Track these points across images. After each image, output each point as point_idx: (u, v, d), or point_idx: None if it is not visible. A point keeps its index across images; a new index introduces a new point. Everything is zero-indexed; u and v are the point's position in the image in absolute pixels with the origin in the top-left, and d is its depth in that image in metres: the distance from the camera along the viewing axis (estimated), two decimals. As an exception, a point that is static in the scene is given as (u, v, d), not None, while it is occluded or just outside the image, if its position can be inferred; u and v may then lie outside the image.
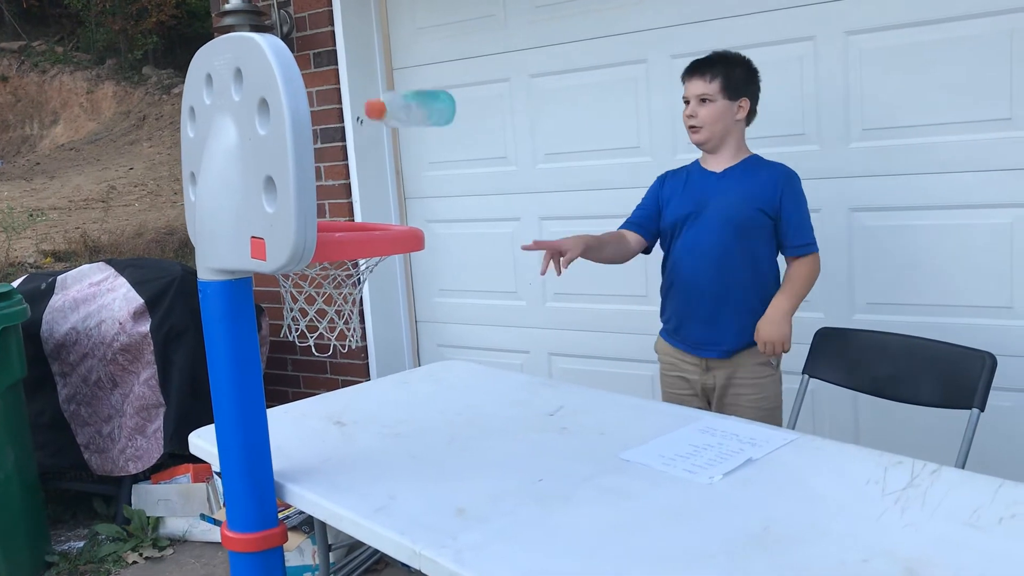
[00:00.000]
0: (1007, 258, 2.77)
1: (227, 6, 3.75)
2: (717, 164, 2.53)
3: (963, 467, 2.06)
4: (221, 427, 1.71)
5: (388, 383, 2.43)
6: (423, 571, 1.43)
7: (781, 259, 2.57)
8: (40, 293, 3.68)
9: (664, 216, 2.63)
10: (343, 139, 3.91)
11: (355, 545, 2.97)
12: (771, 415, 2.44)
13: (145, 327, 3.47)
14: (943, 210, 2.87)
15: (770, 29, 3.06)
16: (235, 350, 1.68)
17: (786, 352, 2.40)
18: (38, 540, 3.33)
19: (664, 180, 2.69)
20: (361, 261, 1.85)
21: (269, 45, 1.49)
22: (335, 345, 1.90)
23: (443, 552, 1.41)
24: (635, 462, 1.71)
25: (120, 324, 3.47)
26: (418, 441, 1.93)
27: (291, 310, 1.90)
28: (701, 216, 2.52)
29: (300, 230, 1.48)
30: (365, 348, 4.02)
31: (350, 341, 1.89)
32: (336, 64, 3.87)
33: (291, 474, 1.79)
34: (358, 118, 3.89)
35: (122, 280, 3.60)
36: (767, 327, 2.37)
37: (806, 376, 2.38)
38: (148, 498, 3.48)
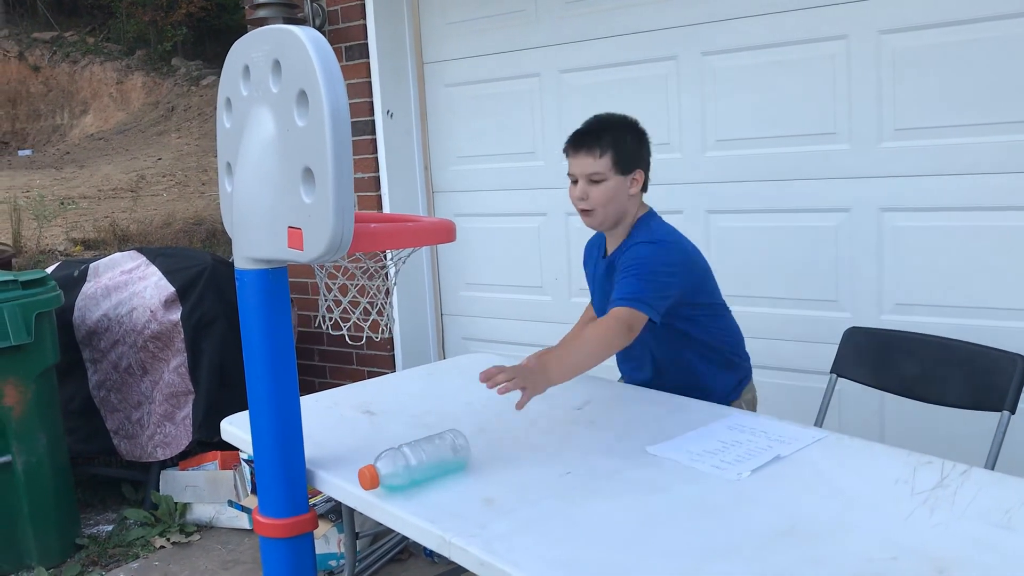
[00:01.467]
0: (1037, 261, 2.76)
1: (260, -1, 3.78)
2: (611, 243, 2.29)
3: (993, 469, 2.05)
4: (255, 414, 1.74)
5: (415, 374, 2.45)
6: (452, 559, 1.45)
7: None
8: (72, 280, 3.73)
9: None
10: (373, 132, 3.93)
11: (380, 534, 3.00)
12: None
13: (176, 315, 3.52)
14: (973, 211, 2.86)
15: (802, 27, 3.05)
16: (271, 338, 1.71)
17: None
18: (68, 523, 3.39)
19: (585, 258, 2.55)
20: (393, 252, 1.86)
21: (308, 37, 1.51)
22: (368, 335, 1.91)
23: (472, 541, 1.43)
24: (663, 457, 1.72)
25: (151, 312, 3.52)
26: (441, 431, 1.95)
27: (325, 300, 1.92)
28: (598, 303, 2.38)
29: (338, 221, 1.50)
30: (391, 340, 4.04)
31: (383, 331, 1.90)
32: (367, 58, 3.89)
33: (322, 461, 1.81)
34: (388, 111, 3.92)
35: (153, 268, 3.64)
36: (530, 370, 1.85)
37: (834, 376, 2.37)
38: (176, 484, 3.53)
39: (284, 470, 1.74)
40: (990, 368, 2.10)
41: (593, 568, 1.33)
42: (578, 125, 3.57)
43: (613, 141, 2.17)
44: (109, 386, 3.70)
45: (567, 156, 2.24)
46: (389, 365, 4.05)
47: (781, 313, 3.22)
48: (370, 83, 3.91)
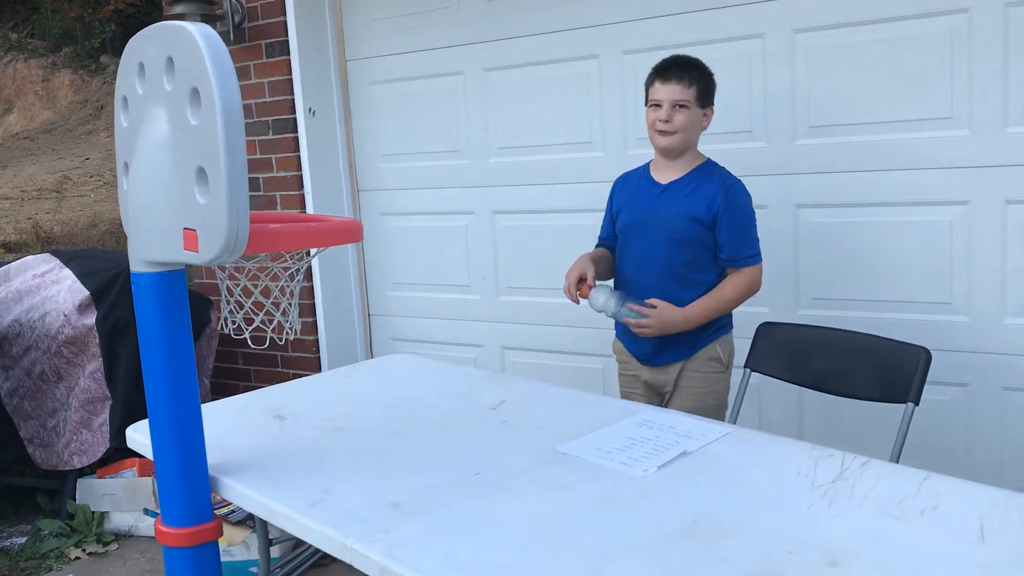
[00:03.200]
0: (947, 255, 2.82)
1: (177, -6, 3.70)
2: (666, 174, 2.49)
3: (898, 460, 2.09)
4: (155, 420, 1.69)
5: (333, 377, 2.42)
6: (355, 565, 1.42)
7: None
8: (-18, 285, 3.61)
9: (616, 224, 2.63)
10: (295, 130, 3.88)
11: (301, 540, 2.95)
12: (715, 411, 2.45)
13: (91, 319, 3.42)
14: (886, 207, 2.92)
15: (720, 26, 3.08)
16: (168, 343, 1.66)
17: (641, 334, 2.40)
18: (-21, 536, 3.28)
19: (618, 188, 2.67)
20: (297, 253, 1.83)
21: (201, 34, 1.47)
22: (271, 337, 1.87)
23: (374, 547, 1.40)
24: (572, 455, 1.72)
25: (65, 316, 3.42)
26: (358, 435, 1.92)
27: (227, 303, 1.88)
28: (644, 229, 2.50)
29: (232, 221, 1.46)
30: (316, 342, 3.99)
31: (288, 334, 1.87)
32: (288, 55, 3.83)
33: (228, 468, 1.77)
34: (310, 109, 3.87)
35: (67, 272, 3.54)
36: (664, 315, 2.36)
37: (748, 370, 2.40)
38: (93, 493, 3.43)
39: (185, 477, 1.69)
40: (896, 361, 2.14)
41: (497, 570, 1.32)
42: (503, 123, 3.59)
43: (700, 77, 2.40)
44: (22, 393, 3.58)
45: (653, 84, 2.43)
46: (315, 367, 4.00)
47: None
48: (291, 80, 3.85)
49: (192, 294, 3.97)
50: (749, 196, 2.48)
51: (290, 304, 1.87)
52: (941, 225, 2.83)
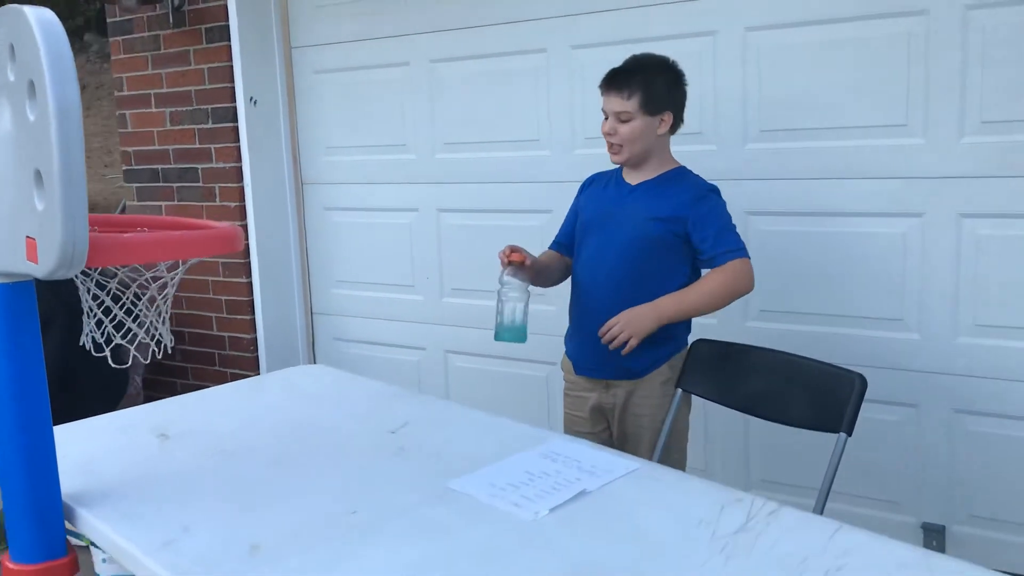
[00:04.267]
0: (899, 269, 2.69)
1: (110, -26, 3.53)
2: (635, 177, 2.34)
3: (827, 494, 1.96)
4: (2, 444, 1.53)
5: (235, 390, 2.27)
6: (195, 620, 1.28)
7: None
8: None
9: (576, 224, 2.46)
10: (235, 120, 3.71)
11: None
12: (674, 438, 2.30)
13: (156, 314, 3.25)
14: (838, 217, 2.78)
15: (671, 22, 2.93)
16: (16, 362, 1.51)
17: (622, 350, 2.16)
18: None
19: (584, 187, 2.51)
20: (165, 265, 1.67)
21: (38, 19, 1.32)
22: (135, 355, 1.71)
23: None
24: (461, 492, 1.57)
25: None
26: (239, 461, 1.77)
27: (90, 316, 1.72)
28: (604, 229, 2.34)
29: (67, 231, 1.31)
30: (255, 341, 3.84)
31: (154, 351, 1.72)
32: (229, 41, 3.66)
33: (87, 496, 1.62)
34: (251, 98, 3.70)
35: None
36: (627, 314, 2.16)
37: (679, 390, 2.26)
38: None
39: (35, 508, 1.54)
40: (829, 387, 2.00)
41: None
42: (449, 118, 3.44)
43: (643, 83, 2.23)
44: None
45: (601, 94, 2.29)
46: (253, 367, 3.85)
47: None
48: (231, 68, 3.68)
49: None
50: (722, 199, 2.31)
51: (157, 320, 1.70)
52: (894, 238, 2.69)
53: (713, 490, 1.56)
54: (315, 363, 3.98)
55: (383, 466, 1.72)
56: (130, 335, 1.69)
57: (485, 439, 1.84)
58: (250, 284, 3.79)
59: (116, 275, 1.60)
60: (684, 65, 2.87)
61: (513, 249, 2.25)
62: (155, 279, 1.63)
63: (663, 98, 2.26)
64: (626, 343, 2.14)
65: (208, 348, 3.95)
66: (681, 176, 2.30)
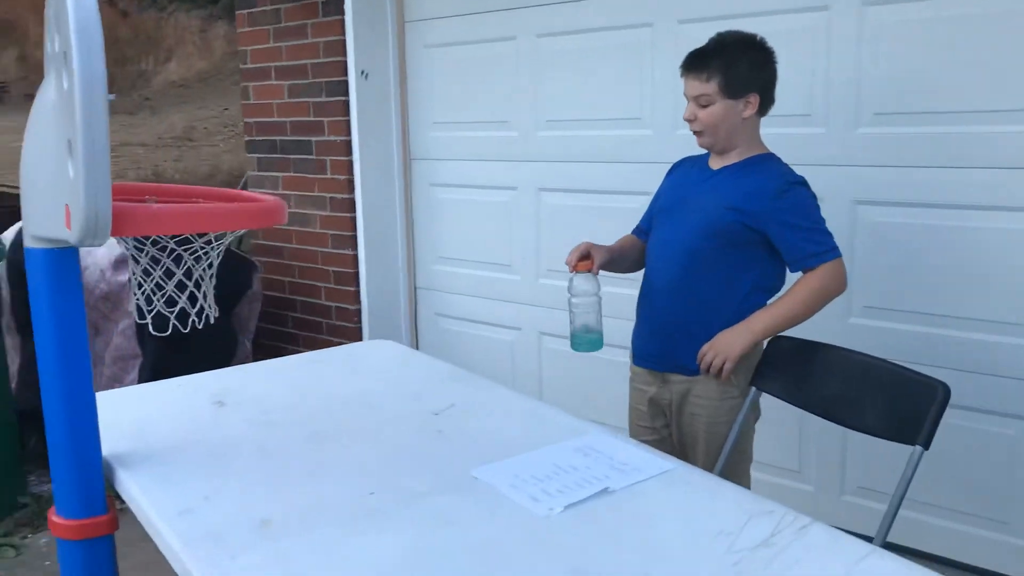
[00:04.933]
0: (1021, 269, 2.44)
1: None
2: (718, 162, 2.21)
3: (896, 511, 1.80)
4: (47, 403, 1.60)
5: (301, 362, 2.30)
6: (191, 590, 1.29)
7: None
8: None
9: (655, 208, 2.37)
10: (345, 94, 3.76)
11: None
12: (740, 440, 2.16)
13: (124, 276, 3.43)
14: (958, 209, 2.55)
15: (781, -2, 2.76)
16: (59, 326, 1.56)
17: (720, 375, 2.09)
18: (11, 480, 3.36)
19: (671, 171, 2.40)
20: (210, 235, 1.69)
21: (73, -15, 1.34)
22: (174, 323, 1.75)
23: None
24: (483, 481, 1.53)
25: (101, 271, 3.43)
26: (281, 433, 1.79)
27: (135, 291, 1.76)
28: (677, 213, 2.23)
29: (90, 200, 1.34)
30: (359, 312, 3.90)
31: (193, 320, 1.75)
32: (342, 14, 3.70)
33: (129, 458, 1.67)
34: (363, 72, 3.74)
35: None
36: (723, 336, 2.09)
37: (753, 389, 2.13)
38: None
39: (77, 466, 1.60)
40: (908, 395, 1.83)
41: None
42: (552, 94, 3.36)
43: (723, 65, 2.09)
44: (67, 343, 3.64)
45: (681, 76, 2.17)
46: (356, 337, 3.92)
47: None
48: (344, 41, 3.72)
49: (235, 257, 3.94)
50: (810, 193, 2.13)
51: (198, 290, 1.73)
52: (1018, 235, 2.45)
53: (746, 500, 1.45)
54: (417, 338, 4.02)
55: (415, 448, 1.70)
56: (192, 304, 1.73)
57: (527, 427, 1.79)
58: (356, 256, 3.85)
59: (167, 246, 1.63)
60: (794, 42, 2.70)
61: (582, 255, 2.17)
62: (189, 252, 1.65)
63: (747, 79, 2.11)
64: (723, 368, 2.07)
65: (317, 317, 4.04)
66: (765, 164, 2.15)
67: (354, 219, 3.82)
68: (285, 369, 2.23)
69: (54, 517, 1.63)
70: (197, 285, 1.69)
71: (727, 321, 2.11)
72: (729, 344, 2.07)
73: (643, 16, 3.09)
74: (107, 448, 1.69)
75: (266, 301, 4.14)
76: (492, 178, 3.61)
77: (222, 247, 1.65)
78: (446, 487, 1.52)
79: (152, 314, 1.71)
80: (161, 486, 1.57)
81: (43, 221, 1.50)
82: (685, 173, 2.31)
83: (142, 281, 1.67)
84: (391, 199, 3.88)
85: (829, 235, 2.10)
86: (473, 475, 1.55)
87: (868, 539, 2.70)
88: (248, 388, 2.07)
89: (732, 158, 2.18)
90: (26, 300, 3.79)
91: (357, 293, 3.88)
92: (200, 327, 1.72)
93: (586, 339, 2.14)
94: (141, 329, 3.45)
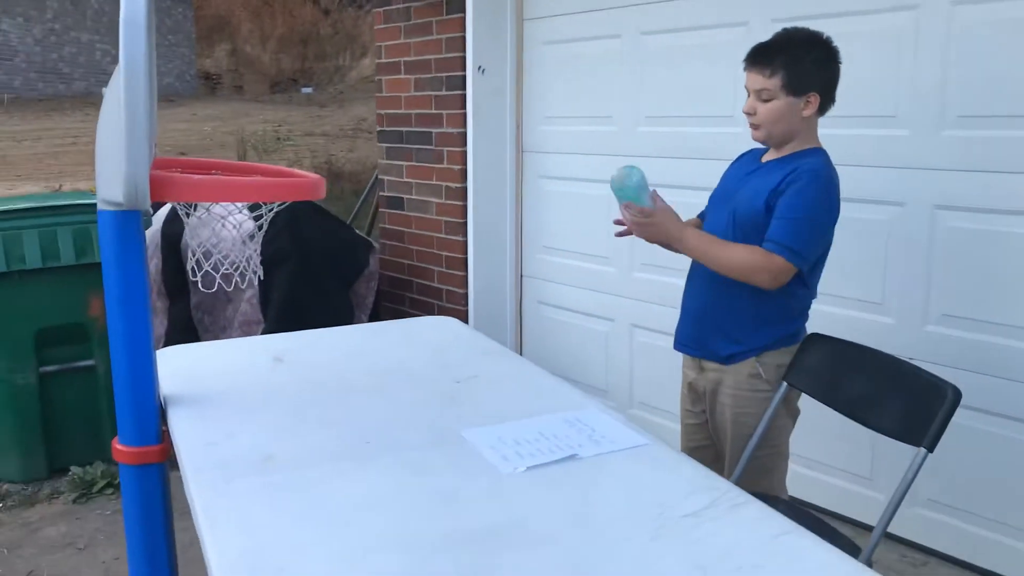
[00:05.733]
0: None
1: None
2: (770, 155, 2.24)
3: (893, 513, 1.80)
4: (113, 347, 1.85)
5: (362, 330, 2.52)
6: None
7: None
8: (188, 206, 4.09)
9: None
10: (463, 88, 3.95)
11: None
12: (770, 434, 2.19)
13: (251, 249, 3.76)
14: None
15: (873, -3, 2.72)
16: (123, 280, 1.80)
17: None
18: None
19: (733, 162, 2.45)
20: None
21: (130, -19, 1.57)
22: (219, 282, 1.98)
23: (207, 496, 1.46)
24: (468, 441, 1.66)
25: (233, 243, 3.78)
26: (315, 386, 1.99)
27: (194, 252, 2.01)
28: (721, 204, 2.30)
29: (130, 167, 1.57)
30: (466, 295, 4.10)
31: (237, 281, 1.97)
32: (463, 12, 3.90)
33: (182, 398, 1.91)
34: (479, 67, 3.92)
35: (242, 204, 3.91)
36: (659, 215, 2.17)
37: (784, 384, 2.14)
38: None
39: (134, 399, 1.84)
40: (921, 396, 1.81)
41: (275, 554, 1.30)
42: (653, 91, 3.43)
43: (787, 61, 2.11)
44: (204, 308, 4.04)
45: (744, 69, 2.20)
46: (462, 319, 4.11)
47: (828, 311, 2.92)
48: (464, 38, 3.92)
49: (354, 237, 4.23)
50: (822, 192, 2.09)
51: (247, 255, 1.96)
52: (1102, 246, 2.33)
53: (698, 477, 1.51)
54: (521, 324, 4.17)
55: (424, 409, 1.85)
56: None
57: (535, 399, 1.90)
58: (465, 243, 4.04)
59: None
60: (882, 42, 2.68)
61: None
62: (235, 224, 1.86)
63: (810, 78, 2.11)
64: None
65: (430, 298, 4.28)
66: (804, 159, 2.15)
67: (465, 207, 4.02)
68: (348, 336, 2.44)
69: (117, 444, 1.89)
70: (241, 252, 1.91)
71: (756, 312, 2.14)
72: (656, 229, 2.18)
73: (740, 15, 3.12)
74: (169, 389, 1.95)
75: (387, 281, 4.42)
76: (593, 171, 3.71)
77: (263, 218, 1.86)
78: (433, 443, 1.66)
79: (202, 272, 1.95)
80: (198, 423, 1.79)
81: (105, 186, 1.75)
82: (740, 165, 2.36)
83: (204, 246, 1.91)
84: (502, 189, 4.05)
85: (800, 235, 2.05)
86: (462, 435, 1.69)
87: (934, 552, 2.64)
88: (308, 350, 2.29)
89: (782, 152, 2.21)
90: (176, 268, 4.24)
91: (465, 278, 4.08)
92: (243, 287, 1.94)
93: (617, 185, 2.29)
94: (265, 298, 3.78)
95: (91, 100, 17.40)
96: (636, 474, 1.54)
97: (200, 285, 2.01)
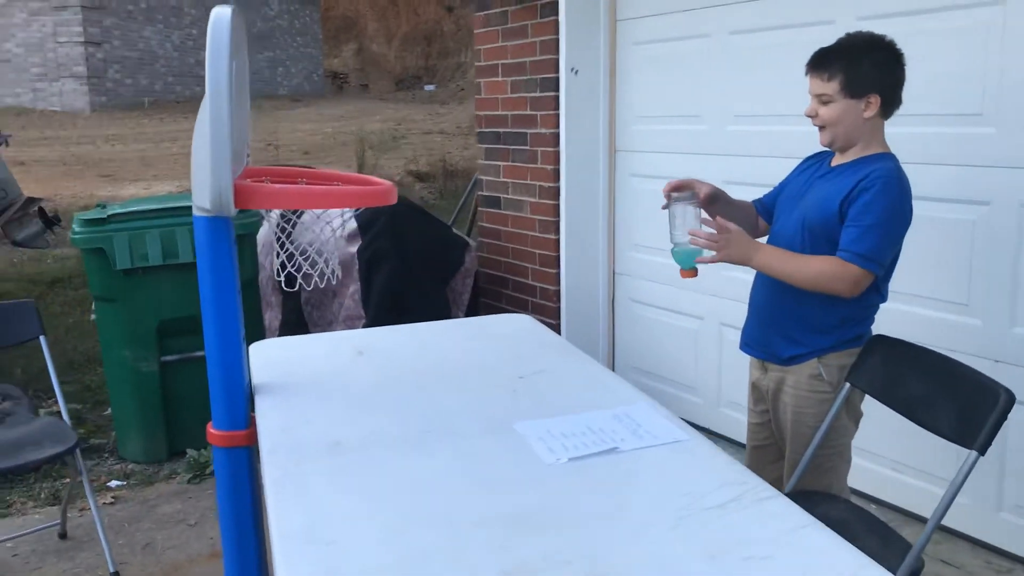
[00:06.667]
0: None
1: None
2: (838, 159, 2.26)
3: (943, 514, 1.80)
4: (208, 339, 2.04)
5: (441, 327, 2.63)
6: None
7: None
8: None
9: (778, 197, 2.47)
10: (556, 89, 4.05)
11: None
12: (831, 435, 2.21)
13: (354, 248, 3.97)
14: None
15: (952, -8, 2.68)
16: (214, 280, 1.98)
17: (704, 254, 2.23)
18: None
19: (801, 163, 2.48)
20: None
21: (214, 15, 1.74)
22: (300, 281, 2.14)
23: (276, 474, 1.62)
24: (519, 432, 1.77)
25: (336, 243, 4.00)
26: (390, 378, 2.13)
27: (280, 252, 2.18)
28: (789, 207, 2.33)
29: (215, 177, 1.74)
30: (558, 293, 4.20)
31: (317, 281, 2.13)
32: (556, 15, 4.00)
33: (270, 387, 2.09)
34: (572, 68, 4.01)
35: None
36: (736, 235, 2.17)
37: (847, 384, 2.16)
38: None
39: (225, 386, 2.02)
40: (974, 399, 1.81)
41: (329, 527, 1.44)
42: (741, 90, 3.44)
43: (846, 65, 2.15)
44: (313, 303, 4.28)
45: (805, 74, 2.26)
46: (555, 316, 4.22)
47: (912, 312, 2.89)
48: (557, 40, 4.01)
49: (451, 237, 4.39)
50: (892, 195, 2.09)
51: (319, 256, 2.12)
52: None
53: (731, 472, 1.57)
54: (613, 321, 4.24)
55: (484, 401, 1.96)
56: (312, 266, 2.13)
57: (592, 396, 1.98)
58: (558, 241, 4.14)
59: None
60: (968, 38, 2.64)
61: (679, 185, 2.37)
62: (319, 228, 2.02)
63: (868, 80, 2.14)
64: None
65: (524, 295, 4.40)
66: (872, 163, 2.15)
67: (557, 206, 4.11)
68: (428, 332, 2.57)
69: (211, 428, 2.08)
70: (319, 252, 2.08)
71: (824, 317, 2.17)
72: (734, 248, 2.17)
73: (826, 13, 3.11)
74: (259, 379, 2.13)
75: (485, 278, 4.56)
76: (683, 170, 3.73)
77: (343, 221, 2.01)
78: (486, 433, 1.78)
79: (285, 272, 2.12)
80: (280, 410, 1.96)
81: (198, 194, 1.93)
82: (809, 167, 2.37)
83: (279, 249, 2.08)
84: (594, 188, 4.13)
85: (878, 244, 2.07)
86: (514, 427, 1.80)
87: (1021, 560, 2.59)
88: (389, 344, 2.43)
89: (849, 156, 2.22)
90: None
91: (558, 275, 4.18)
92: (322, 285, 2.10)
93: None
94: (365, 295, 3.98)
95: (226, 102, 18.31)
96: (671, 467, 1.61)
97: (283, 285, 2.18)
